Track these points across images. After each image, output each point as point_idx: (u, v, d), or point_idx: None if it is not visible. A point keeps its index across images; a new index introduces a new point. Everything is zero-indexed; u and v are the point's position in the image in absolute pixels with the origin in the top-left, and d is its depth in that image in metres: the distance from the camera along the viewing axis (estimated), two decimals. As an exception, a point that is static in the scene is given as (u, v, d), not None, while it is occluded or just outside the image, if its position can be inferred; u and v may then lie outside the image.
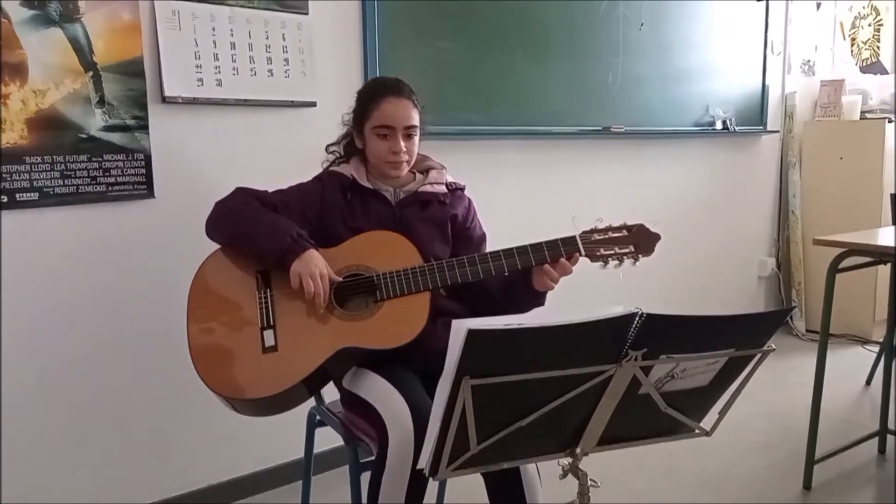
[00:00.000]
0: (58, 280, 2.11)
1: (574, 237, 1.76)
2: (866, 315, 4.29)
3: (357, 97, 1.89)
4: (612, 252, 1.77)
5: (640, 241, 1.78)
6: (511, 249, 1.76)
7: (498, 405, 1.13)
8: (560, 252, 1.74)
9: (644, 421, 1.28)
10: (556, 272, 1.74)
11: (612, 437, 1.28)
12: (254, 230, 1.72)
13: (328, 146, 1.99)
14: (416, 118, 1.83)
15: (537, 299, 1.79)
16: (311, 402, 1.94)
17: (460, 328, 1.01)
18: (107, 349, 2.21)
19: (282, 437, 2.46)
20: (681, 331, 1.14)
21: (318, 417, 2.03)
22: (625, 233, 1.79)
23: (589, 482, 1.31)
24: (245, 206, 1.78)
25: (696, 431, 1.34)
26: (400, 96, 1.82)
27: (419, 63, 2.74)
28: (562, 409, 1.16)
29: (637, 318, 1.08)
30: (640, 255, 1.78)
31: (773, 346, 1.23)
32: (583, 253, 1.75)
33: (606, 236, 1.78)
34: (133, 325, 2.24)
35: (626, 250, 1.77)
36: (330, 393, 1.95)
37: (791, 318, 4.47)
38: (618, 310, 1.07)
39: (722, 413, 1.33)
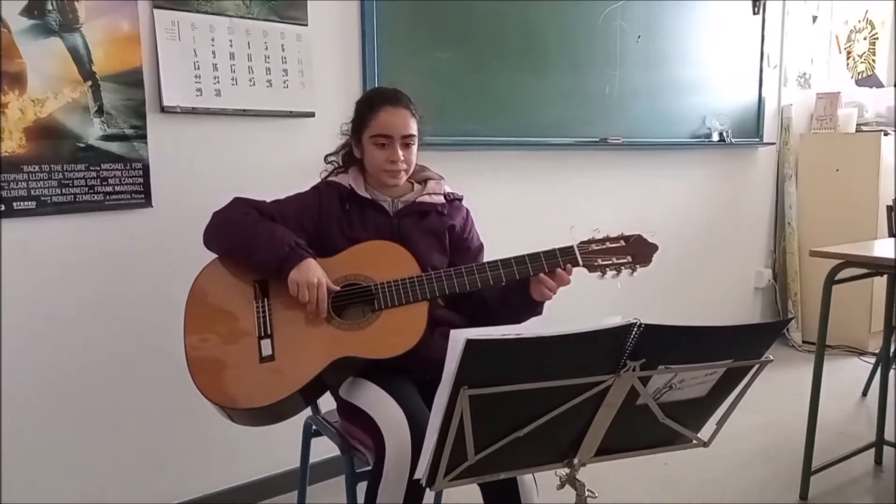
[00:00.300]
0: (55, 289, 2.10)
1: (572, 247, 1.76)
2: (862, 326, 4.30)
3: (356, 107, 1.89)
4: (610, 262, 1.77)
5: (637, 251, 1.79)
6: (509, 259, 1.76)
7: (495, 415, 1.13)
8: (558, 262, 1.74)
9: (642, 431, 1.28)
10: (554, 282, 1.74)
11: (610, 448, 1.28)
12: (252, 240, 1.72)
13: (327, 156, 2.00)
14: (413, 127, 1.84)
15: (534, 309, 1.79)
16: (308, 411, 1.93)
17: (458, 338, 1.01)
18: (104, 358, 2.20)
19: (278, 446, 2.46)
20: (679, 341, 1.14)
21: (314, 427, 2.02)
22: (622, 243, 1.79)
23: (586, 493, 1.31)
24: (243, 216, 1.78)
25: (694, 442, 1.34)
26: (398, 105, 1.82)
27: (418, 74, 2.75)
28: (559, 419, 1.16)
29: (635, 329, 1.08)
30: (637, 266, 1.78)
31: (771, 357, 1.23)
32: (581, 263, 1.76)
33: (604, 247, 1.78)
34: (130, 335, 2.23)
35: (624, 261, 1.78)
36: (326, 403, 1.94)
37: (787, 329, 4.48)
38: (616, 320, 1.07)
39: (720, 423, 1.33)
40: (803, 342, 4.47)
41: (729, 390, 1.27)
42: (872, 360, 3.82)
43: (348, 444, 1.81)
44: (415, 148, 1.86)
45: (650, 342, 1.10)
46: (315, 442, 2.07)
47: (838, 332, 4.03)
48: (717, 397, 1.28)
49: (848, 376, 3.85)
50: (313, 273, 1.68)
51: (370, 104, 1.84)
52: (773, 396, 3.51)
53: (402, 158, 1.81)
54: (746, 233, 4.47)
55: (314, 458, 2.16)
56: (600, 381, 1.13)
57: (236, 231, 1.75)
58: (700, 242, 4.10)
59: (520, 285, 1.78)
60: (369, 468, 1.67)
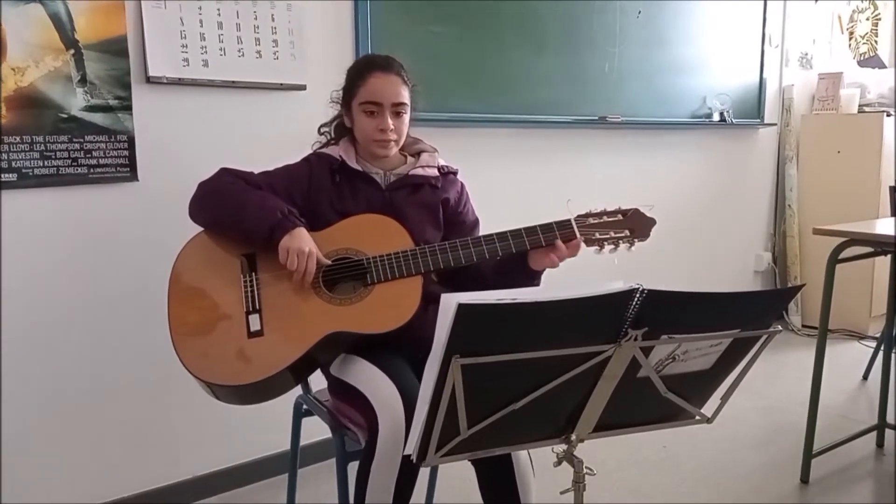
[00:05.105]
0: (36, 264, 2.04)
1: (569, 220, 1.71)
2: (863, 310, 4.25)
3: (346, 73, 1.82)
4: (608, 236, 1.72)
5: (635, 225, 1.74)
6: (505, 233, 1.71)
7: (489, 387, 1.07)
8: (555, 235, 1.69)
9: (643, 406, 1.23)
10: (557, 256, 1.69)
11: (609, 423, 1.23)
12: (241, 209, 1.66)
13: (321, 126, 1.93)
14: (405, 95, 1.77)
15: (532, 280, 1.74)
16: (298, 390, 1.88)
17: (450, 302, 0.96)
18: (88, 336, 2.15)
19: (268, 428, 2.41)
20: (683, 309, 1.09)
21: (304, 407, 1.97)
22: (620, 217, 1.75)
23: (584, 470, 1.25)
24: (231, 185, 1.71)
25: (697, 418, 1.28)
26: (388, 72, 1.75)
27: (413, 48, 2.67)
28: (557, 391, 1.10)
29: (637, 295, 1.02)
30: (635, 240, 1.74)
31: (780, 328, 1.17)
32: (578, 236, 1.70)
33: (602, 220, 1.74)
34: (115, 312, 2.18)
35: (622, 234, 1.73)
36: (317, 383, 1.89)
37: (787, 313, 4.44)
38: (617, 285, 1.01)
39: (724, 399, 1.27)
40: (803, 326, 4.43)
41: (734, 363, 1.22)
42: (873, 344, 3.78)
43: (339, 422, 1.76)
44: (406, 118, 1.79)
45: (653, 310, 1.04)
46: (306, 424, 2.02)
47: (838, 316, 3.99)
48: (722, 370, 1.22)
49: (848, 360, 3.81)
50: (304, 242, 1.62)
51: (360, 70, 1.77)
52: (773, 380, 3.47)
53: (393, 127, 1.74)
54: (746, 215, 4.42)
55: (305, 440, 2.11)
56: (600, 350, 1.07)
57: (225, 199, 1.69)
58: (699, 224, 4.05)
59: (517, 260, 1.73)
60: (360, 448, 1.62)
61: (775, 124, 4.43)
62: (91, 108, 2.06)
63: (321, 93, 2.15)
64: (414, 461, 1.14)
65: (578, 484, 1.26)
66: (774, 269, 4.58)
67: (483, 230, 1.91)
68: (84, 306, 2.13)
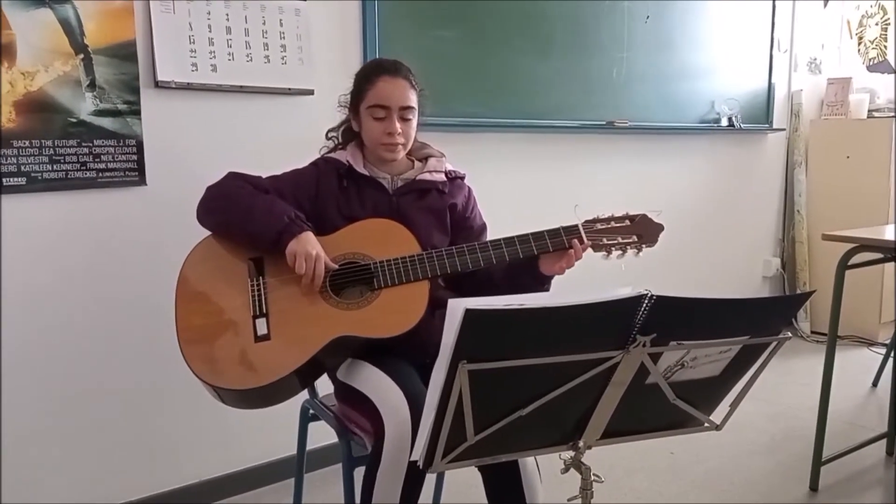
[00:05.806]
0: (45, 268, 2.05)
1: (576, 226, 1.71)
2: (872, 317, 4.23)
3: (354, 78, 1.83)
4: (616, 242, 1.72)
5: (643, 231, 1.74)
6: (512, 238, 1.70)
7: (496, 393, 1.07)
8: (562, 240, 1.69)
9: (651, 412, 1.22)
10: (565, 263, 1.68)
11: (617, 430, 1.22)
12: (248, 212, 1.66)
13: (328, 131, 1.94)
14: (412, 99, 1.77)
15: (542, 285, 1.74)
16: (305, 395, 1.88)
17: (457, 307, 0.95)
18: (95, 340, 2.15)
19: (274, 432, 2.40)
20: (693, 315, 1.08)
21: (311, 411, 1.97)
22: (627, 223, 1.74)
23: (592, 477, 1.25)
24: (239, 189, 1.72)
25: (706, 425, 1.27)
26: (396, 76, 1.76)
27: (420, 52, 2.68)
28: (564, 398, 1.10)
29: (646, 301, 1.01)
30: (643, 246, 1.73)
31: (789, 334, 1.17)
32: (586, 242, 1.70)
33: (609, 226, 1.74)
34: (122, 316, 2.18)
35: (630, 240, 1.73)
36: (324, 387, 1.89)
37: (796, 319, 4.41)
38: (626, 291, 1.01)
39: (733, 406, 1.27)
40: (812, 332, 4.40)
41: (744, 370, 1.21)
42: (882, 350, 3.75)
43: (346, 427, 1.76)
44: (414, 122, 1.79)
45: (662, 316, 1.03)
46: (313, 428, 2.01)
47: (847, 322, 3.93)
48: (731, 377, 1.21)
49: (858, 367, 3.78)
50: (312, 246, 1.63)
51: (368, 74, 1.78)
52: (782, 386, 3.45)
53: (400, 131, 1.74)
54: (755, 220, 4.40)
55: (312, 445, 2.11)
56: (608, 357, 1.07)
57: (232, 203, 1.69)
58: (707, 230, 4.03)
59: (525, 264, 1.72)
60: (367, 453, 1.61)
61: (784, 129, 4.42)
62: (100, 113, 2.06)
63: (329, 97, 2.15)
64: (420, 467, 1.13)
65: (586, 491, 1.25)
66: (783, 274, 4.56)
67: (490, 235, 1.90)
68: (91, 309, 2.13)
